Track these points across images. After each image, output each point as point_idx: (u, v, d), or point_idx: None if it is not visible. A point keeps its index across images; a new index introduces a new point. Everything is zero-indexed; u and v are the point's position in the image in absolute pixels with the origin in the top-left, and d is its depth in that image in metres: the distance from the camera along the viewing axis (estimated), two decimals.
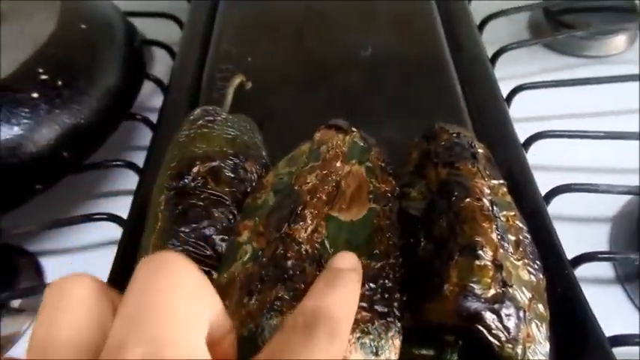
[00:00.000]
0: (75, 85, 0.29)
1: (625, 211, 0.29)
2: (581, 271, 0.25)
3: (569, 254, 0.24)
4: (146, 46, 0.39)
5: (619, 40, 0.38)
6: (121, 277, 0.25)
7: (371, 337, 0.16)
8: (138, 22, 0.39)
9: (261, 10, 0.40)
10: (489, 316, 0.16)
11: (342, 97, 0.33)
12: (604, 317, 0.22)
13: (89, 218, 0.29)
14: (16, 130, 0.27)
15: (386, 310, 0.17)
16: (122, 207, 0.29)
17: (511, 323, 0.16)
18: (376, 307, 0.17)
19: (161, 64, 0.41)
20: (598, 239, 0.28)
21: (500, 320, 0.16)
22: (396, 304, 0.17)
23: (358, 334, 0.16)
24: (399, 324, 0.17)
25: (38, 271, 0.30)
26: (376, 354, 0.16)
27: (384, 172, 0.22)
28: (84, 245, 0.31)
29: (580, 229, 0.28)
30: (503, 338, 0.16)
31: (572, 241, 0.25)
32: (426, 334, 0.18)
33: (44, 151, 0.28)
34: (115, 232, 0.29)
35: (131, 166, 0.32)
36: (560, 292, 0.19)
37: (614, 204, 0.29)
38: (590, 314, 0.21)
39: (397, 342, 0.16)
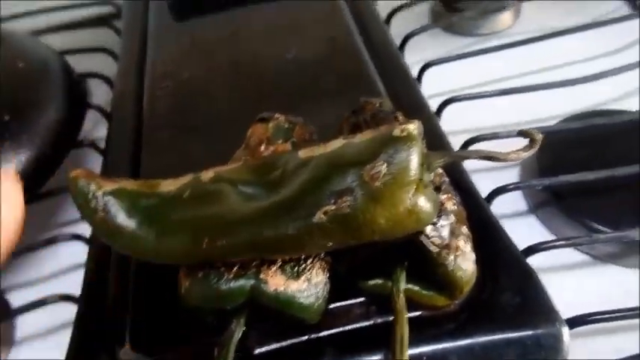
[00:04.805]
0: (22, 120, 0.31)
1: (528, 159, 0.34)
2: (498, 208, 0.29)
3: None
4: (85, 79, 0.41)
5: (506, 17, 0.45)
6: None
7: (291, 264, 0.18)
8: (73, 59, 0.41)
9: (192, 30, 0.43)
10: (428, 227, 0.19)
11: (274, 97, 0.37)
12: (522, 243, 0.26)
13: (53, 241, 0.30)
14: None
15: None
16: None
17: (445, 232, 0.19)
18: None
19: (100, 95, 0.43)
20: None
21: (436, 229, 0.19)
22: None
23: (279, 263, 0.18)
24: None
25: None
26: (297, 277, 0.18)
27: (311, 143, 0.25)
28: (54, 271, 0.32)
29: (494, 174, 0.33)
30: (439, 244, 0.19)
31: (489, 184, 0.30)
32: (372, 265, 0.21)
33: None
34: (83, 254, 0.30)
35: None
36: (477, 221, 0.23)
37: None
38: (504, 234, 0.25)
39: (320, 263, 0.19)
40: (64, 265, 0.33)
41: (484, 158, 0.17)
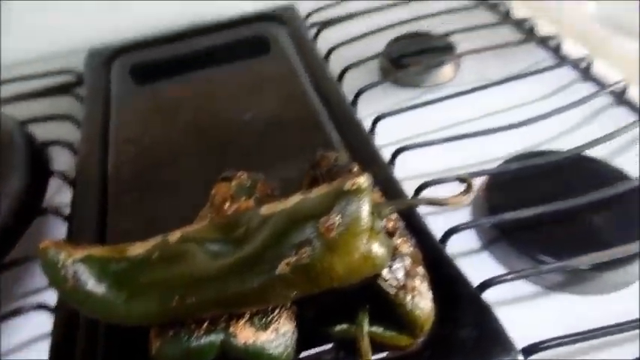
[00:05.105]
0: None
1: (478, 197, 0.37)
2: (454, 247, 0.31)
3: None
4: (48, 147, 0.42)
5: (447, 70, 0.49)
6: None
7: (259, 316, 0.19)
8: (36, 128, 0.41)
9: (153, 94, 0.45)
10: (384, 271, 0.20)
11: (236, 156, 0.38)
12: (478, 278, 0.28)
13: (18, 312, 0.30)
14: None
15: None
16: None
17: (400, 274, 0.21)
18: None
19: (64, 162, 0.43)
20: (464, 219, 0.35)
21: (392, 272, 0.21)
22: None
23: (248, 316, 0.19)
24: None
25: None
26: (265, 328, 0.19)
27: (272, 198, 0.27)
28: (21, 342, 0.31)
29: (448, 215, 0.35)
30: (395, 285, 0.20)
31: (444, 225, 0.32)
32: (337, 311, 0.22)
33: None
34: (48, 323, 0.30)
35: None
36: (433, 261, 0.25)
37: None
38: (459, 272, 0.26)
39: (287, 313, 0.20)
40: (31, 335, 0.32)
41: (429, 204, 0.19)
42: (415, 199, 0.24)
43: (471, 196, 0.20)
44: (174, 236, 0.21)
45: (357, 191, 0.18)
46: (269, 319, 0.19)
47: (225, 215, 0.23)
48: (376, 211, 0.19)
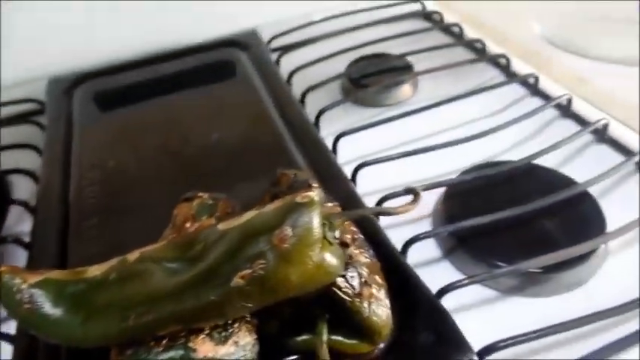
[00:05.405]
0: None
1: (437, 208, 0.38)
2: (415, 256, 0.32)
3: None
4: (7, 176, 0.41)
5: (406, 89, 0.51)
6: None
7: (218, 329, 0.20)
8: None
9: (117, 120, 0.45)
10: (339, 279, 0.21)
11: (201, 178, 0.39)
12: (438, 285, 0.29)
13: None
14: None
15: None
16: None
17: (355, 282, 0.22)
18: None
19: (24, 190, 0.43)
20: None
21: (347, 280, 0.21)
22: None
23: (207, 330, 0.19)
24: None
25: None
26: (225, 341, 0.20)
27: (233, 216, 0.27)
28: None
29: (411, 226, 0.36)
30: (351, 293, 0.21)
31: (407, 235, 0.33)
32: (298, 322, 0.23)
33: None
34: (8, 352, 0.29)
35: None
36: (392, 270, 0.26)
37: (430, 201, 0.38)
38: (417, 279, 0.27)
39: (246, 326, 0.20)
40: None
41: (378, 214, 0.20)
42: (365, 209, 0.25)
43: (417, 206, 0.21)
44: (133, 256, 0.21)
45: (309, 204, 0.19)
46: (228, 332, 0.20)
47: (181, 235, 0.23)
48: (328, 222, 0.19)
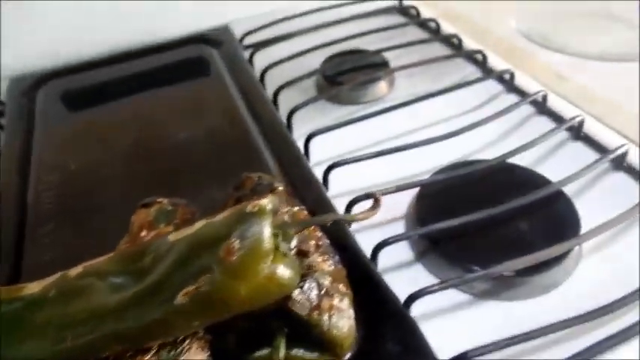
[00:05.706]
0: None
1: (409, 211, 0.37)
2: (386, 260, 0.31)
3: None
4: None
5: (382, 86, 0.50)
6: None
7: (167, 348, 0.19)
8: None
9: (82, 121, 0.43)
10: (295, 291, 0.20)
11: (166, 181, 0.37)
12: (410, 290, 0.28)
13: None
14: None
15: None
16: None
17: (313, 294, 0.21)
18: None
19: None
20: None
21: (303, 293, 0.20)
22: None
23: (155, 349, 0.18)
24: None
25: None
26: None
27: (192, 223, 0.26)
28: None
29: (383, 229, 0.35)
30: (308, 306, 0.20)
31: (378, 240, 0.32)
32: (256, 337, 0.21)
33: None
34: None
35: None
36: (359, 277, 0.25)
37: (404, 202, 0.37)
38: (385, 287, 0.26)
39: (198, 343, 0.19)
40: None
41: (336, 221, 0.19)
42: (322, 217, 0.24)
43: (378, 211, 0.20)
44: (75, 271, 0.20)
45: (259, 213, 0.18)
46: (177, 350, 0.19)
47: (134, 244, 0.22)
48: (281, 232, 0.18)
